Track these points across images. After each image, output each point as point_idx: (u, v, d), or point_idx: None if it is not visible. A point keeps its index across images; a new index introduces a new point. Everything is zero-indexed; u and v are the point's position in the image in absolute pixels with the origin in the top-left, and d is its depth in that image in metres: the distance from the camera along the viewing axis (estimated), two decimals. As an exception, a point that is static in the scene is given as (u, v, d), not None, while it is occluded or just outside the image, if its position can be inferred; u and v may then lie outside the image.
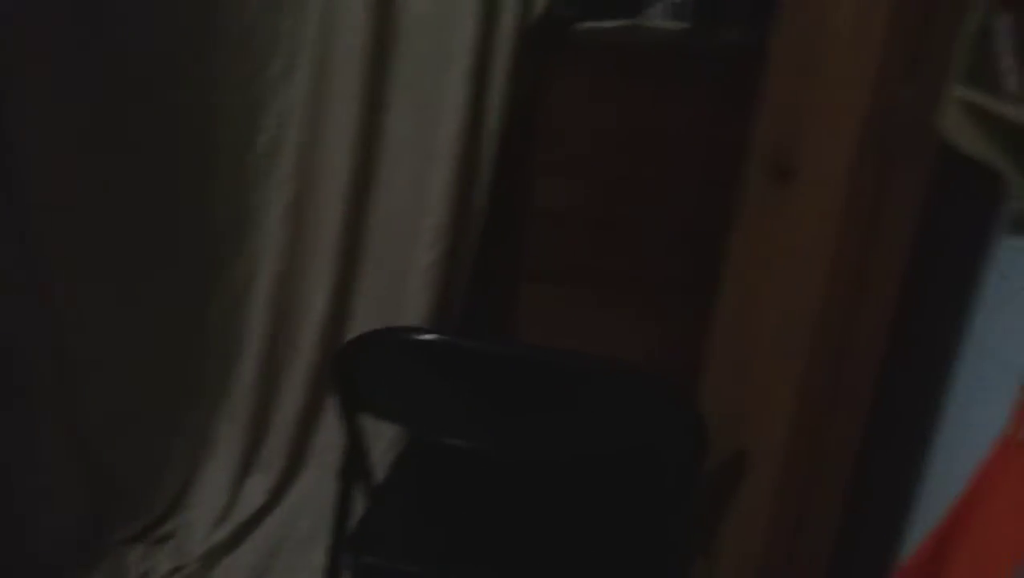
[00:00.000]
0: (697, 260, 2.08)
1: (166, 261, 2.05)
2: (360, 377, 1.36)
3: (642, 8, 2.12)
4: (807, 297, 1.43)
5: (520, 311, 2.24)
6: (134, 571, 2.00)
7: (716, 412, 1.72)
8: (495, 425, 1.36)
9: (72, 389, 2.00)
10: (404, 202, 1.99)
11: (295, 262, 2.03)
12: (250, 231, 2.05)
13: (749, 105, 1.82)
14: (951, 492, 1.16)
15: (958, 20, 1.19)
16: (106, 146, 1.92)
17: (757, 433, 1.64)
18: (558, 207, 2.15)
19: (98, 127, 1.90)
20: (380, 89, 1.92)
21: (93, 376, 2.01)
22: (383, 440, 1.99)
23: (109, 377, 2.04)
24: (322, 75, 1.91)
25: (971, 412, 1.36)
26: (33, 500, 1.96)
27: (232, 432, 2.11)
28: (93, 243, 1.95)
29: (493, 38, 1.87)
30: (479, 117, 1.91)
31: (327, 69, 1.90)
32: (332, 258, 1.99)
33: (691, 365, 2.07)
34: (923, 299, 1.43)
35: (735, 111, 1.93)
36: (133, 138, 1.95)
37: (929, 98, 1.25)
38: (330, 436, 2.10)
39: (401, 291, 2.01)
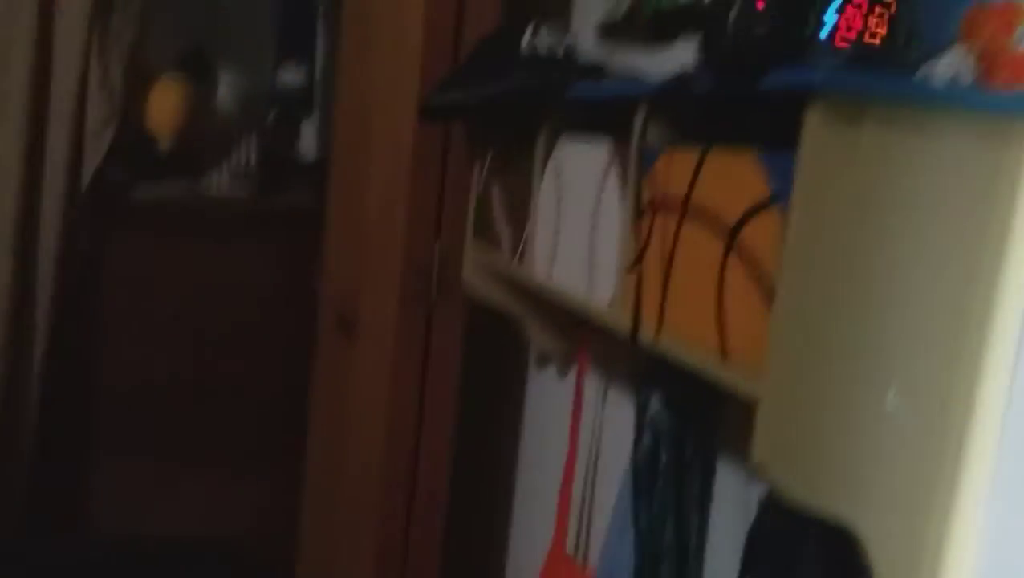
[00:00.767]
0: (285, 421, 2.08)
1: None
2: None
3: (203, 173, 2.16)
4: (375, 448, 1.51)
5: (101, 489, 2.08)
6: None
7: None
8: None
9: None
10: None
11: None
12: None
13: (317, 263, 1.92)
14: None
15: (468, 186, 1.39)
16: None
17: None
18: (134, 378, 2.07)
19: None
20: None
21: None
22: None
23: None
24: None
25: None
26: None
27: None
28: None
29: (39, 210, 1.79)
30: (27, 292, 1.80)
31: None
32: None
33: (290, 529, 2.03)
34: (476, 433, 1.59)
35: (305, 270, 2.02)
36: None
37: (455, 254, 1.42)
38: None
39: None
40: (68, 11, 1.86)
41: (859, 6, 0.64)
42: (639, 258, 0.87)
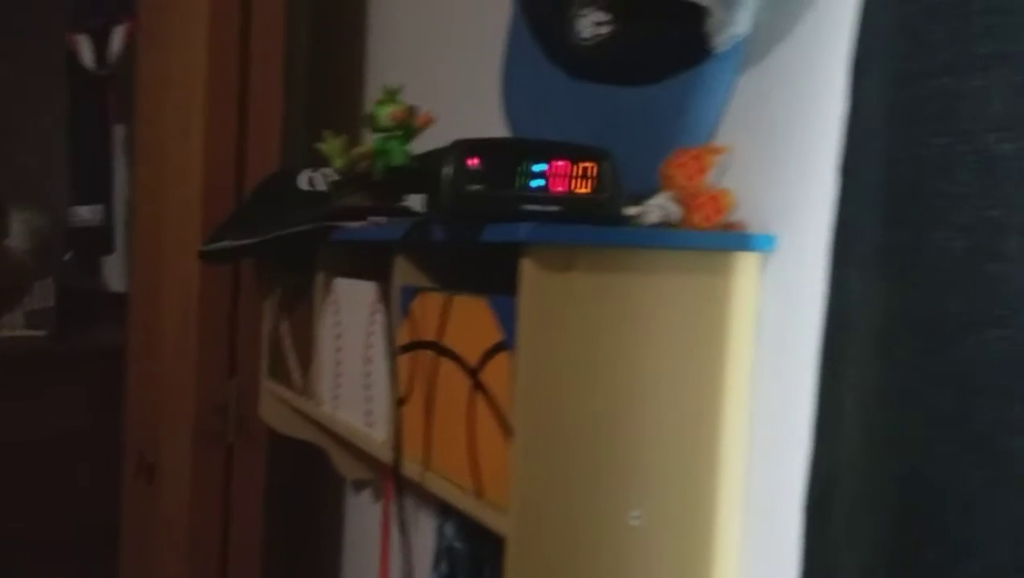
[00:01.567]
0: (89, 571, 1.96)
1: None
2: None
3: (-5, 319, 2.06)
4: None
5: None
6: None
7: None
8: None
9: None
10: None
11: None
12: None
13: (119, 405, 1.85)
14: None
15: (259, 324, 1.39)
16: None
17: None
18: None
19: None
20: None
21: None
22: None
23: None
24: None
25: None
26: None
27: None
28: None
29: None
30: None
31: None
32: None
33: None
34: (294, 559, 1.54)
35: (106, 411, 1.93)
36: None
37: (251, 391, 1.40)
38: None
39: None
40: None
41: (561, 170, 0.69)
42: (404, 397, 0.89)
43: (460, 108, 1.22)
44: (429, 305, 0.84)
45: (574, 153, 0.71)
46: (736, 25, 0.73)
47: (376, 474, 1.39)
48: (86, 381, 2.01)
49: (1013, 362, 0.45)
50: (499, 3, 1.04)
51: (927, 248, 0.49)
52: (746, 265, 0.75)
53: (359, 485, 1.56)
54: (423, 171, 0.71)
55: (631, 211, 0.76)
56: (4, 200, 2.18)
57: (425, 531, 1.27)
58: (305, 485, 1.66)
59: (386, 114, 0.75)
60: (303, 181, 1.19)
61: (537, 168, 0.70)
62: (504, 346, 0.71)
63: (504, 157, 0.70)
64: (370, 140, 0.85)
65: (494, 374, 0.73)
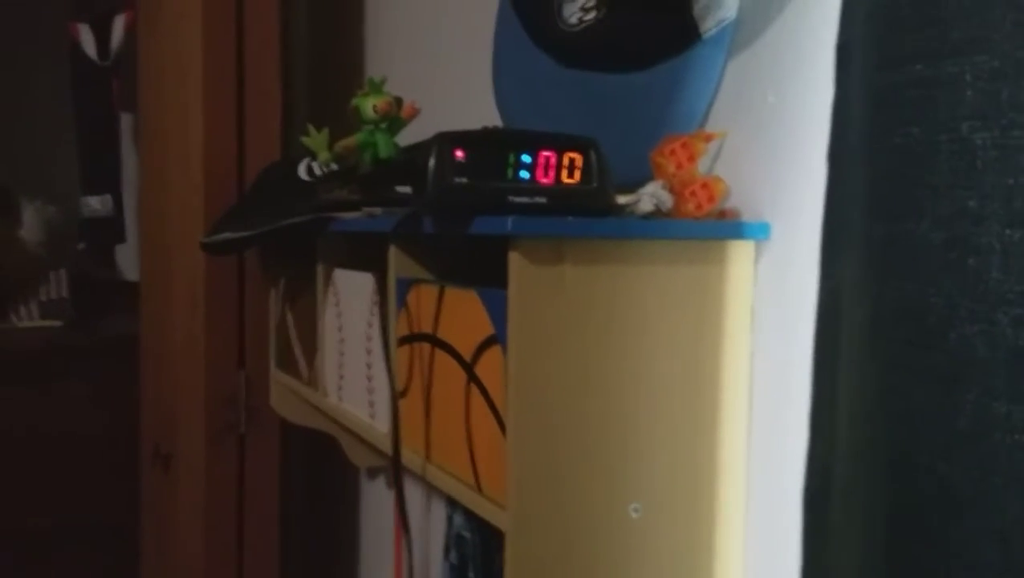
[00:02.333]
0: (116, 562, 1.99)
1: None
2: None
3: (10, 312, 2.08)
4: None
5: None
6: None
7: None
8: None
9: None
10: None
11: None
12: None
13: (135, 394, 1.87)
14: None
15: (266, 315, 1.39)
16: None
17: None
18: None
19: None
20: None
21: None
22: None
23: None
24: None
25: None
26: None
27: None
28: None
29: None
30: None
31: None
32: None
33: None
34: (312, 547, 1.55)
35: (124, 401, 1.95)
36: None
37: (262, 382, 1.41)
38: None
39: None
40: None
41: (548, 160, 0.68)
42: (404, 389, 0.89)
43: (460, 96, 1.21)
44: (424, 297, 0.83)
45: (561, 143, 0.70)
46: (724, 9, 0.72)
47: (388, 462, 1.39)
48: (103, 370, 2.03)
49: (993, 357, 0.44)
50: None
51: (908, 240, 0.48)
52: (740, 254, 0.74)
53: (373, 472, 1.57)
54: (411, 163, 0.70)
55: (622, 200, 0.75)
56: (16, 192, 2.20)
57: (438, 518, 1.28)
58: (320, 473, 1.67)
59: (370, 106, 0.75)
60: (303, 170, 1.19)
61: (523, 159, 0.69)
62: (496, 340, 0.71)
63: (490, 149, 0.69)
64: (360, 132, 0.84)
65: (488, 368, 0.73)
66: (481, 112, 1.07)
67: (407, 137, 0.84)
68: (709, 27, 0.74)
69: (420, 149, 0.70)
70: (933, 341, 0.47)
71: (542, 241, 0.67)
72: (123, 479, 1.95)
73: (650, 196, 0.74)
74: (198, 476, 1.45)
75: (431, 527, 1.32)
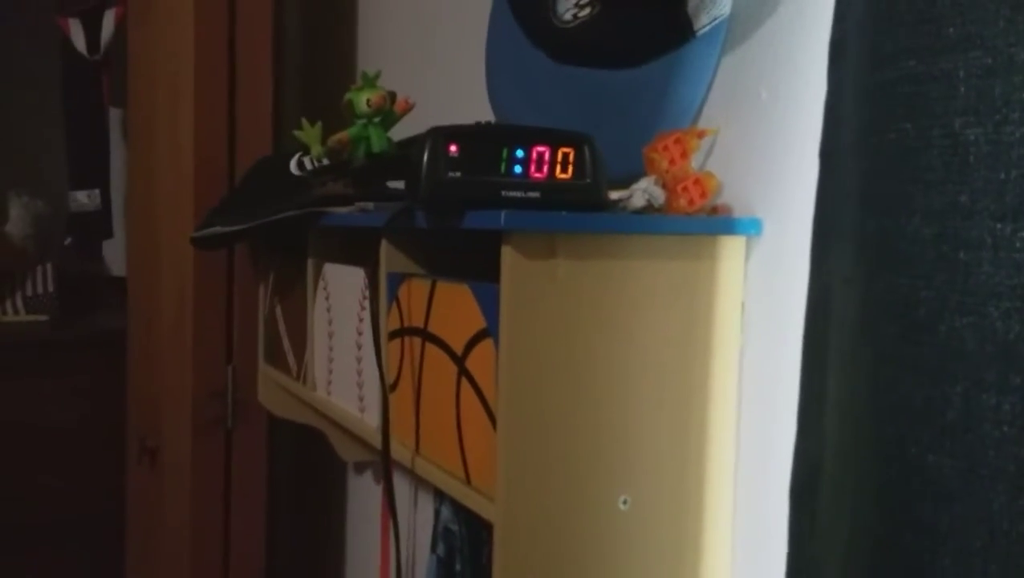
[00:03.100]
0: (101, 557, 1.98)
1: None
2: None
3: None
4: None
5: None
6: None
7: None
8: None
9: None
10: None
11: None
12: None
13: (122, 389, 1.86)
14: None
15: (255, 309, 1.39)
16: None
17: None
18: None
19: None
20: None
21: None
22: None
23: None
24: None
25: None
26: None
27: None
28: None
29: None
30: None
31: None
32: None
33: None
34: (299, 540, 1.55)
35: (110, 396, 1.94)
36: None
37: (249, 376, 1.41)
38: None
39: None
40: None
41: (541, 155, 0.69)
42: (394, 383, 0.89)
43: (454, 92, 1.22)
44: (416, 291, 0.84)
45: (554, 138, 0.70)
46: (717, 6, 0.72)
47: (375, 457, 1.39)
48: (88, 366, 2.02)
49: (982, 351, 0.45)
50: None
51: (899, 234, 0.49)
52: (731, 249, 0.74)
53: (360, 467, 1.57)
54: (404, 158, 0.70)
55: (615, 195, 0.75)
56: (3, 186, 2.18)
57: (425, 512, 1.28)
58: (307, 468, 1.67)
59: (364, 100, 0.75)
60: (294, 165, 1.18)
61: (517, 154, 0.70)
62: (487, 333, 0.71)
63: (483, 143, 0.69)
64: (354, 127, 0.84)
65: (479, 361, 0.73)
66: (475, 108, 1.07)
67: (401, 133, 0.84)
68: (703, 24, 0.74)
69: (413, 144, 0.71)
70: (923, 334, 0.47)
71: (535, 236, 0.67)
72: (109, 474, 1.94)
73: (643, 192, 0.74)
74: (184, 470, 1.44)
75: (418, 521, 1.32)
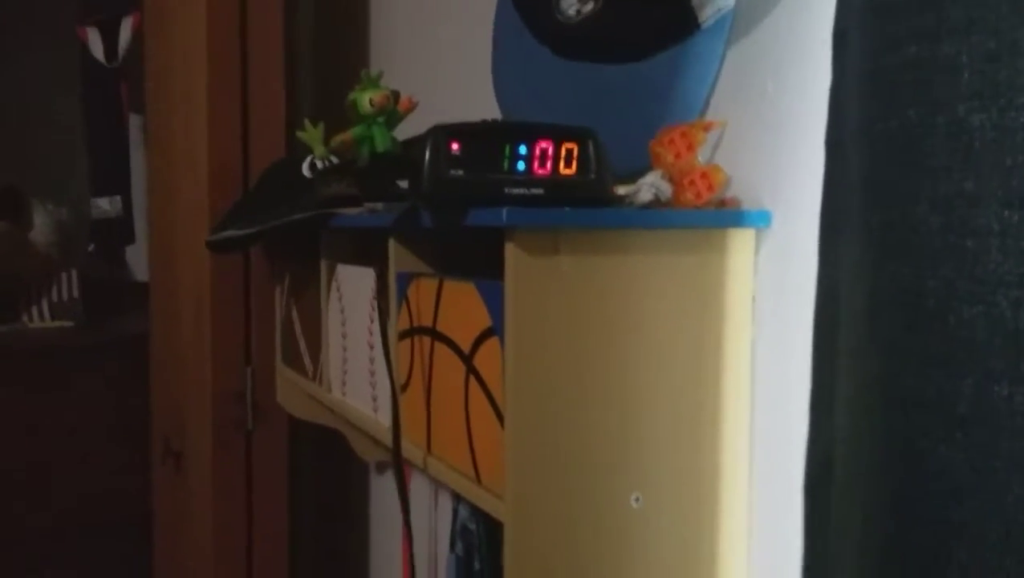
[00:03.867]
0: (130, 560, 2.00)
1: None
2: None
3: (21, 313, 2.09)
4: None
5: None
6: None
7: None
8: None
9: None
10: None
11: None
12: None
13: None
14: None
15: (272, 311, 1.40)
16: None
17: None
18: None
19: None
20: None
21: None
22: None
23: None
24: None
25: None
26: None
27: None
28: None
29: None
30: None
31: None
32: None
33: None
34: (322, 540, 1.55)
35: (135, 399, 1.96)
36: None
37: (268, 378, 1.41)
38: None
39: None
40: None
41: (544, 151, 0.68)
42: (405, 383, 0.89)
43: (463, 90, 1.21)
44: (424, 290, 0.83)
45: (557, 134, 0.70)
46: (722, -4, 0.71)
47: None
48: (114, 370, 2.04)
49: (992, 340, 0.44)
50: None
51: (905, 223, 0.48)
52: (740, 243, 0.73)
53: (381, 466, 1.57)
54: (407, 156, 0.70)
55: (622, 190, 0.74)
56: (27, 193, 2.21)
57: (445, 511, 1.28)
58: (329, 468, 1.67)
59: (367, 100, 0.74)
60: (306, 167, 1.18)
61: (520, 150, 0.69)
62: (494, 332, 0.70)
63: (485, 140, 0.69)
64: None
65: (486, 360, 0.72)
66: (483, 106, 1.07)
67: (411, 132, 0.83)
68: (708, 16, 0.73)
69: (416, 142, 0.70)
70: (931, 325, 0.46)
71: (539, 232, 0.66)
72: (135, 477, 1.96)
73: (649, 186, 0.73)
74: (206, 473, 1.45)
75: (439, 520, 1.31)
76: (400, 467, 0.82)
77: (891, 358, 0.49)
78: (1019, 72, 0.43)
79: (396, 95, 0.77)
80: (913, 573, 0.49)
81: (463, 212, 0.68)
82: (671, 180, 0.73)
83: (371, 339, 0.99)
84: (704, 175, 0.72)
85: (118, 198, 2.10)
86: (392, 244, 0.87)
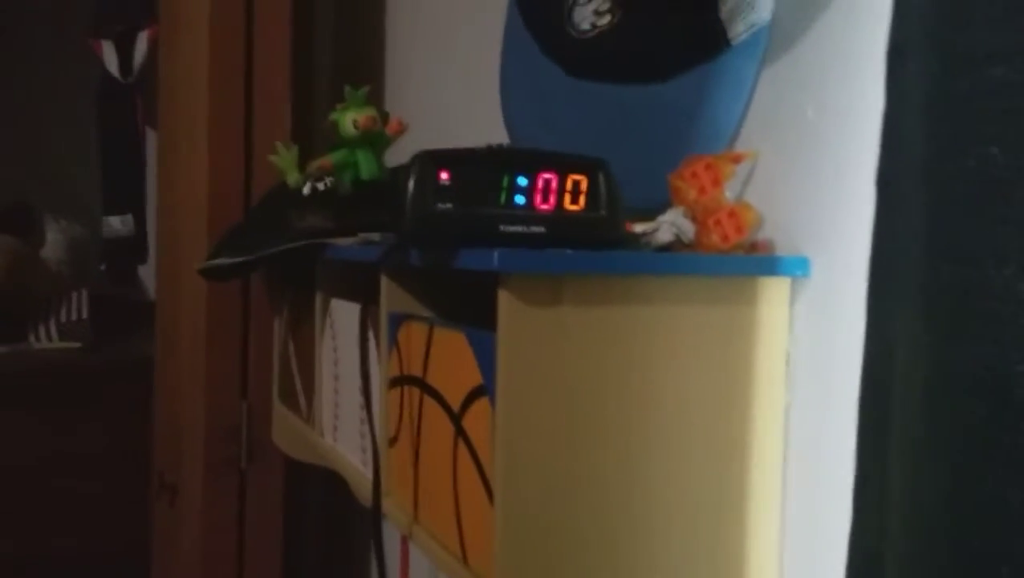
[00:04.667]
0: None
1: None
2: None
3: (28, 332, 2.03)
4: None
5: None
6: None
7: None
8: None
9: None
10: None
11: None
12: None
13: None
14: None
15: (271, 342, 1.31)
16: None
17: None
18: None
19: None
20: None
21: None
22: None
23: None
24: None
25: None
26: None
27: None
28: None
29: None
30: None
31: None
32: None
33: None
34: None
35: (137, 425, 1.89)
36: None
37: (264, 414, 1.33)
38: None
39: None
40: None
41: (548, 184, 0.59)
42: (394, 437, 0.79)
43: (475, 112, 1.13)
44: (415, 335, 0.74)
45: (563, 164, 0.60)
46: (756, 11, 0.62)
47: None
48: (121, 393, 1.97)
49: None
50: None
51: (982, 287, 0.38)
52: (774, 294, 0.63)
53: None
54: (393, 186, 0.61)
55: (639, 228, 0.65)
56: (39, 210, 2.16)
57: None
58: (328, 509, 1.58)
59: (350, 121, 0.65)
60: (308, 191, 1.10)
61: (519, 182, 0.60)
62: (485, 391, 0.61)
63: (480, 170, 0.60)
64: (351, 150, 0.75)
65: (476, 422, 0.63)
66: (494, 130, 0.98)
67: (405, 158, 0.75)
68: (739, 32, 0.64)
69: (402, 170, 0.61)
70: (1017, 421, 0.36)
71: (537, 278, 0.57)
72: (136, 506, 1.89)
73: (669, 225, 0.64)
74: (197, 512, 1.37)
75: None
76: (380, 538, 0.73)
77: (965, 457, 0.39)
78: None
79: (385, 116, 0.68)
80: None
81: (453, 251, 0.59)
82: (694, 219, 0.63)
83: (361, 384, 0.90)
84: (732, 214, 0.62)
85: (130, 217, 2.04)
86: (384, 281, 0.78)
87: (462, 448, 0.65)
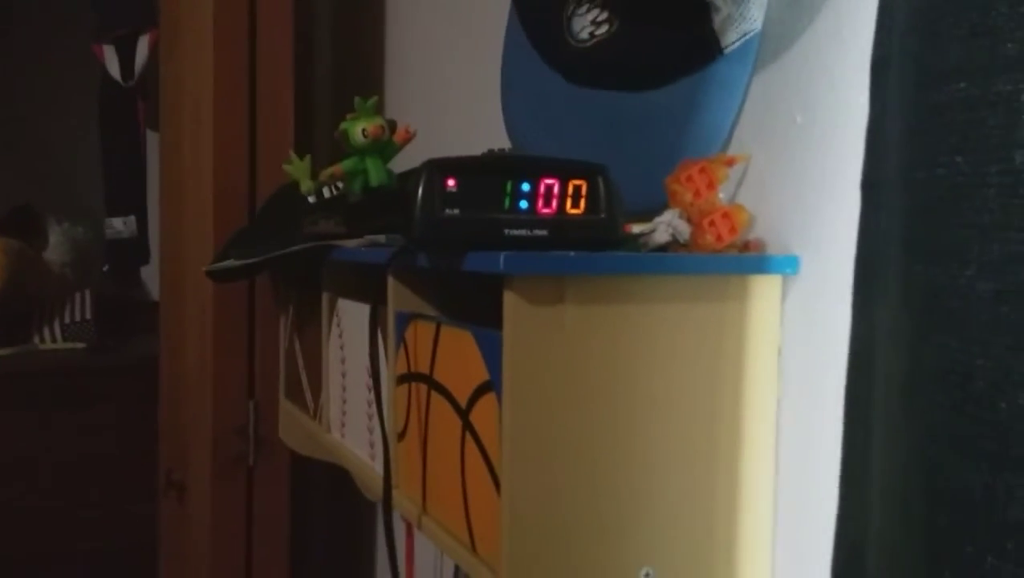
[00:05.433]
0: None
1: None
2: None
3: (33, 334, 2.06)
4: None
5: None
6: None
7: None
8: None
9: None
10: None
11: None
12: None
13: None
14: None
15: (277, 341, 1.34)
16: None
17: None
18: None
19: None
20: None
21: None
22: None
23: None
24: None
25: None
26: None
27: None
28: None
29: None
30: None
31: None
32: None
33: None
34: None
35: (144, 425, 1.91)
36: None
37: (271, 412, 1.36)
38: None
39: None
40: None
41: (549, 189, 0.62)
42: (402, 432, 0.83)
43: (477, 119, 1.16)
44: (422, 334, 0.77)
45: (564, 170, 0.64)
46: (747, 21, 0.65)
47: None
48: (123, 394, 2.00)
49: (1056, 434, 0.37)
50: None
51: (951, 288, 0.41)
52: (765, 290, 0.67)
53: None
54: (401, 192, 0.64)
55: (636, 229, 0.68)
56: (43, 212, 2.18)
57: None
58: (336, 504, 1.61)
59: (359, 130, 0.69)
60: (316, 195, 1.13)
61: (522, 188, 0.63)
62: (491, 387, 0.64)
63: (485, 176, 0.63)
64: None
65: (483, 417, 0.66)
66: (498, 135, 1.01)
67: (411, 164, 0.78)
68: (731, 41, 0.67)
69: (410, 177, 0.64)
70: (981, 412, 0.39)
71: (540, 279, 0.60)
72: (144, 505, 1.91)
73: (666, 225, 0.67)
74: (206, 508, 1.39)
75: (445, 568, 1.25)
76: (391, 528, 0.76)
77: (933, 445, 0.42)
78: (1091, 115, 0.36)
79: (392, 125, 0.71)
80: None
81: (460, 255, 0.62)
82: (689, 220, 0.67)
83: (369, 381, 0.93)
84: (726, 215, 0.66)
85: (132, 218, 2.07)
86: (391, 281, 0.81)
87: (469, 442, 0.68)
